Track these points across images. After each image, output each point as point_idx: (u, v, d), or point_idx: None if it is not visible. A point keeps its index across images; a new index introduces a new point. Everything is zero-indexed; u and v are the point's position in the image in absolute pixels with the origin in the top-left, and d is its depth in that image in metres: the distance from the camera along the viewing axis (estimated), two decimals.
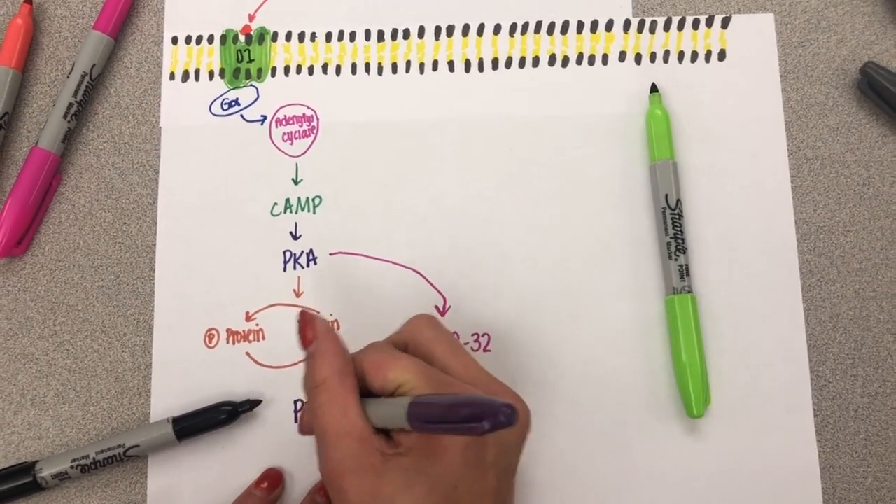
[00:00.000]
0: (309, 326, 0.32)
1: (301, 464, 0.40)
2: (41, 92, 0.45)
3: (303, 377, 0.32)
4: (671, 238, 0.41)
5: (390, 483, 0.29)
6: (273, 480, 0.39)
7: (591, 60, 0.44)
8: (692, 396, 0.39)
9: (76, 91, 0.43)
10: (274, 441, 0.41)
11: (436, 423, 0.26)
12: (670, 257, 0.41)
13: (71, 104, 0.43)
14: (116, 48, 0.45)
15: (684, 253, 0.41)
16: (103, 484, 0.40)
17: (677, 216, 0.41)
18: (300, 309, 0.33)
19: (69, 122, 0.43)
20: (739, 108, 0.44)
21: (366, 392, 0.31)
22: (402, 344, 0.33)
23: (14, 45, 0.44)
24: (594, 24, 0.45)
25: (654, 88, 0.43)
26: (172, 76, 0.45)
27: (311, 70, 0.45)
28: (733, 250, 0.42)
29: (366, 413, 0.30)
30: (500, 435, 0.29)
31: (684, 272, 0.41)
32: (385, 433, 0.30)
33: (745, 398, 0.40)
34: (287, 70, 0.45)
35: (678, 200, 0.41)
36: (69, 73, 0.43)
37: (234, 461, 0.40)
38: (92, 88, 0.44)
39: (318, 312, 0.42)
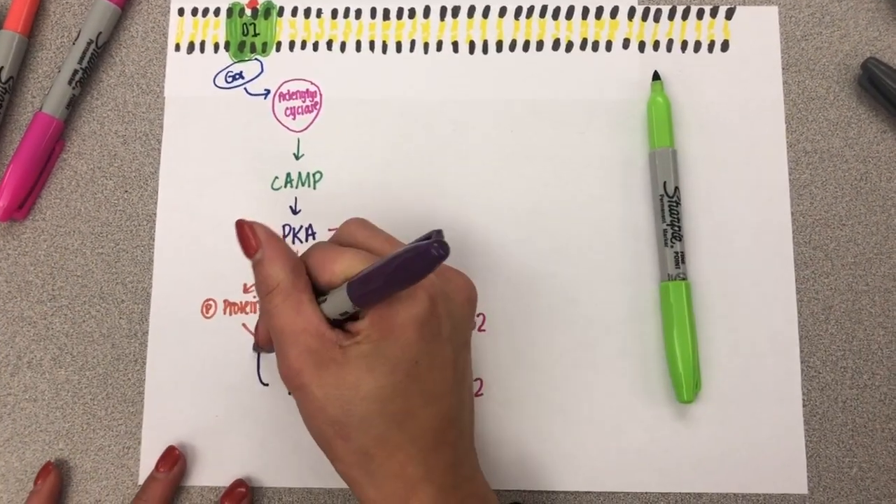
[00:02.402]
0: (251, 234, 0.32)
1: (296, 432, 0.41)
2: (46, 58, 0.45)
3: (255, 285, 0.32)
4: (668, 225, 0.41)
5: (352, 371, 0.30)
6: (169, 460, 0.39)
7: (595, 46, 0.45)
8: (683, 382, 0.40)
9: (81, 58, 0.43)
10: (267, 411, 0.41)
11: (376, 290, 0.28)
12: (666, 244, 0.41)
13: (76, 71, 0.43)
14: (123, 17, 0.45)
15: (680, 240, 0.41)
16: (97, 448, 0.41)
17: (675, 204, 0.41)
18: (237, 220, 0.33)
19: (74, 88, 0.43)
20: (740, 99, 0.44)
21: (316, 291, 0.32)
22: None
23: (21, 9, 0.44)
24: (599, 11, 0.45)
25: (656, 76, 0.43)
26: (178, 47, 0.45)
27: (315, 46, 0.45)
28: (729, 240, 0.42)
29: (320, 310, 0.31)
30: (451, 309, 0.32)
31: (679, 259, 0.41)
32: (340, 327, 0.31)
33: (736, 386, 0.41)
34: (292, 45, 0.45)
35: (676, 188, 0.42)
36: (75, 40, 0.44)
37: (229, 431, 0.41)
38: (97, 56, 0.44)
39: None
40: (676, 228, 0.41)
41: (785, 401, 0.41)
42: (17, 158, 0.43)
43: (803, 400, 0.41)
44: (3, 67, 0.43)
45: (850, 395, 0.41)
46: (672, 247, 0.41)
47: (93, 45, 0.44)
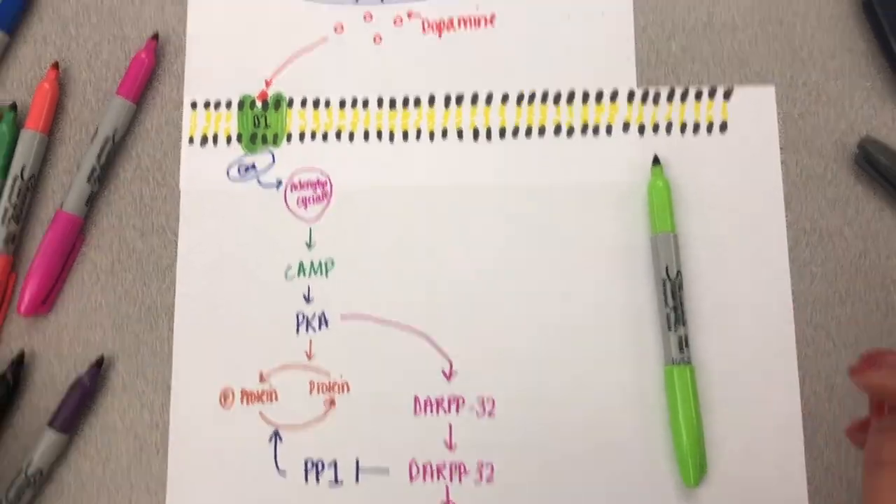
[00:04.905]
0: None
1: None
2: (65, 153, 0.47)
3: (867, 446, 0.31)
4: (671, 309, 0.42)
5: None
6: None
7: (596, 130, 0.46)
8: (689, 466, 0.40)
9: (99, 155, 0.45)
10: (284, 500, 0.42)
11: None
12: (670, 328, 0.42)
13: (94, 168, 0.45)
14: (137, 111, 0.47)
15: (684, 324, 0.42)
16: None
17: (677, 288, 0.42)
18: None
19: (92, 185, 0.45)
20: (740, 180, 0.45)
21: None
22: None
23: (41, 109, 0.46)
24: (599, 95, 0.46)
25: (656, 160, 0.45)
26: (192, 140, 0.47)
27: (325, 136, 0.46)
28: (732, 320, 0.43)
29: None
30: None
31: (683, 343, 0.42)
32: None
33: (741, 468, 0.42)
34: (302, 136, 0.46)
35: (678, 272, 0.43)
36: (93, 138, 0.45)
37: None
38: (114, 152, 0.46)
39: (329, 374, 0.44)
40: (679, 313, 0.42)
41: (790, 482, 0.41)
42: (40, 256, 0.44)
43: (808, 479, 0.41)
44: (25, 166, 0.45)
45: (854, 476, 0.42)
46: (675, 331, 0.42)
47: (110, 143, 0.45)
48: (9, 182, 0.45)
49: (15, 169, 0.45)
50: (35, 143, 0.45)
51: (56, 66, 0.47)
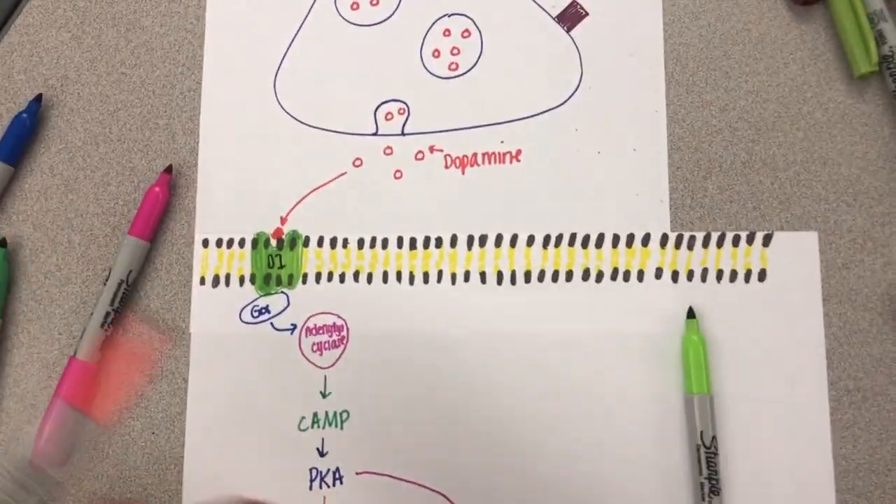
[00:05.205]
0: None
1: None
2: (72, 292, 0.45)
3: None
4: (705, 479, 0.40)
5: None
6: None
7: (626, 276, 0.43)
8: None
9: (113, 299, 0.43)
10: None
11: None
12: (703, 499, 0.40)
13: (108, 313, 0.43)
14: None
15: (718, 495, 0.40)
16: None
17: (712, 454, 0.40)
18: None
19: (106, 330, 0.43)
20: (779, 333, 0.42)
21: None
22: None
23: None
24: (630, 238, 0.44)
25: (690, 313, 0.42)
26: (203, 281, 0.45)
27: (342, 277, 0.44)
28: (769, 488, 0.41)
29: None
30: None
31: None
32: None
33: None
34: (318, 277, 0.44)
35: (713, 437, 0.40)
36: (105, 281, 0.43)
37: None
38: (128, 294, 0.44)
39: None
40: (714, 482, 0.40)
41: None
42: (55, 408, 0.42)
43: None
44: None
45: None
46: (710, 502, 0.40)
47: (124, 285, 0.43)
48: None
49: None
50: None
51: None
